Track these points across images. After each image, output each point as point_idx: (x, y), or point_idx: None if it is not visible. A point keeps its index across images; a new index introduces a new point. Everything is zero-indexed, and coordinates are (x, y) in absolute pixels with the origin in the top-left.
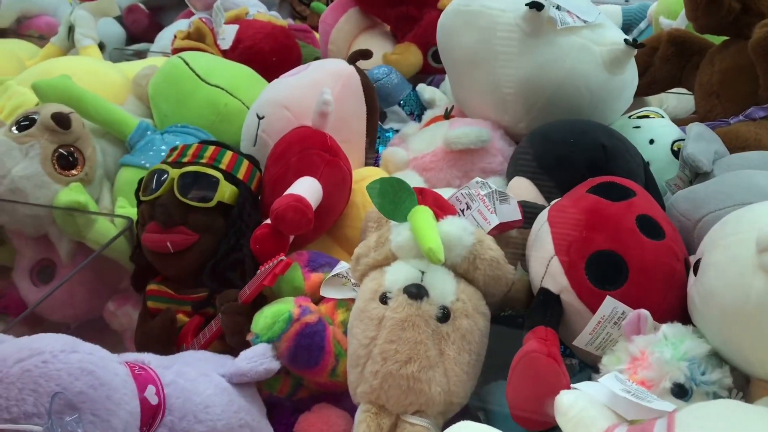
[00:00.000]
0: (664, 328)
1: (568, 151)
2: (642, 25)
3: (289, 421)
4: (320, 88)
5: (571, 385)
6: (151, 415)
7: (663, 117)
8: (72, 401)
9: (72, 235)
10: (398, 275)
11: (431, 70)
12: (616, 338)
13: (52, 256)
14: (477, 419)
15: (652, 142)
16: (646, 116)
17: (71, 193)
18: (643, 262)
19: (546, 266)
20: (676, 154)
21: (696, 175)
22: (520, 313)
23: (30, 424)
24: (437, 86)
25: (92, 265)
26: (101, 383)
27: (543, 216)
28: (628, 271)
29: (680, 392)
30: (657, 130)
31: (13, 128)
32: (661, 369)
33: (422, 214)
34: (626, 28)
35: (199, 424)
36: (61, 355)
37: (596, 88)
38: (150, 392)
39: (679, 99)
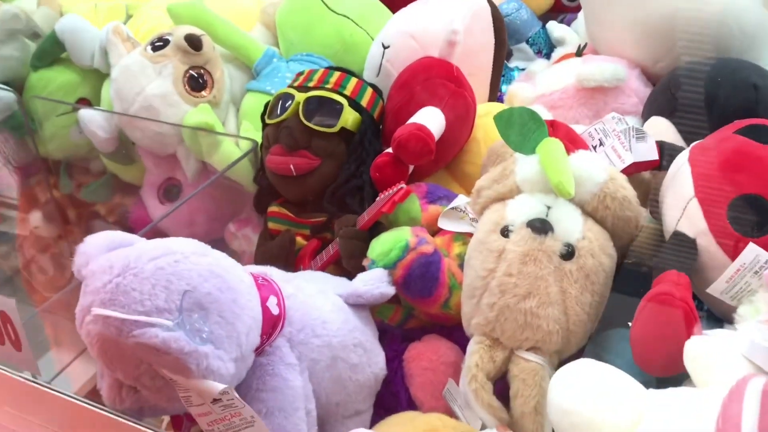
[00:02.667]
0: None
1: (715, 91)
2: None
3: (399, 348)
4: (449, 18)
5: (703, 332)
6: (271, 324)
7: None
8: (201, 301)
9: (198, 155)
10: (522, 208)
11: (563, 8)
12: (755, 288)
13: (179, 175)
14: None
15: None
16: None
17: (200, 114)
18: None
19: (683, 209)
20: None
21: None
22: (644, 262)
23: (161, 318)
24: (568, 25)
25: (216, 187)
26: (228, 287)
27: (683, 156)
28: None
29: None
30: None
31: (148, 48)
32: None
33: (553, 145)
34: None
35: (316, 338)
36: (193, 257)
37: (750, 28)
38: (272, 302)
39: None
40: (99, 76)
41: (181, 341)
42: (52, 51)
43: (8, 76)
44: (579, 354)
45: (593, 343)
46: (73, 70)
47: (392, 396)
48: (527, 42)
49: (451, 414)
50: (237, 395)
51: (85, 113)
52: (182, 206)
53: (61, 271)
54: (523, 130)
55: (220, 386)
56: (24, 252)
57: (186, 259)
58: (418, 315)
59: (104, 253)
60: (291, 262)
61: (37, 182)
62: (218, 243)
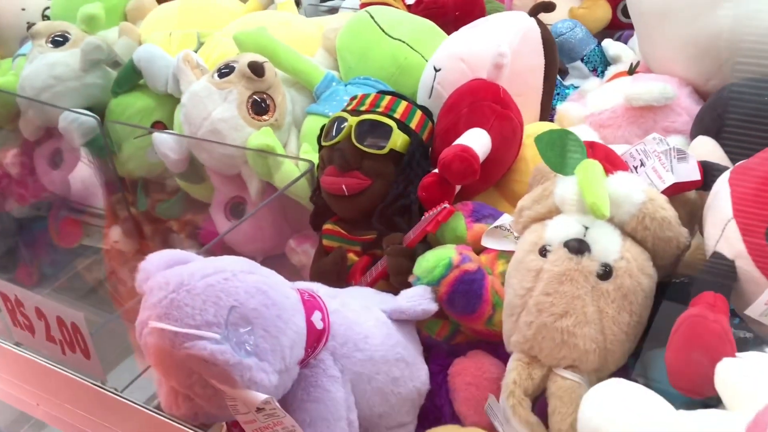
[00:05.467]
0: None
1: (762, 110)
2: None
3: (445, 362)
4: (497, 41)
5: (737, 354)
6: (315, 338)
7: None
8: (247, 316)
9: (261, 175)
10: (560, 229)
11: (620, 26)
12: None
13: (244, 194)
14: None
15: None
16: None
17: (262, 137)
18: None
19: (722, 229)
20: None
21: None
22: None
23: (210, 332)
24: (625, 42)
25: (277, 205)
26: (273, 303)
27: (724, 177)
28: None
29: None
30: None
31: (215, 75)
32: None
33: (590, 167)
34: None
35: (358, 351)
36: (241, 274)
37: None
38: (316, 317)
39: None
40: (173, 100)
41: (227, 354)
42: (130, 78)
43: (92, 102)
44: (623, 372)
45: (640, 362)
46: (149, 95)
47: (436, 409)
48: (582, 60)
49: (493, 428)
50: (278, 405)
51: (157, 136)
52: (248, 223)
53: None
54: (563, 151)
55: (263, 396)
56: (107, 264)
57: (234, 277)
58: (465, 330)
59: (163, 270)
60: (343, 277)
61: (116, 200)
62: (281, 258)
